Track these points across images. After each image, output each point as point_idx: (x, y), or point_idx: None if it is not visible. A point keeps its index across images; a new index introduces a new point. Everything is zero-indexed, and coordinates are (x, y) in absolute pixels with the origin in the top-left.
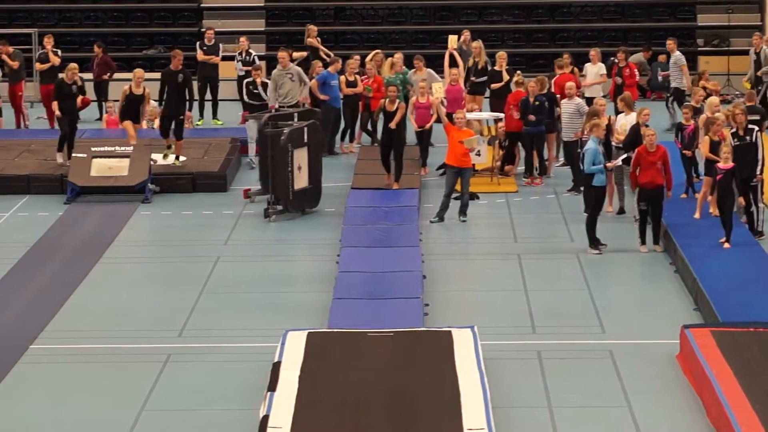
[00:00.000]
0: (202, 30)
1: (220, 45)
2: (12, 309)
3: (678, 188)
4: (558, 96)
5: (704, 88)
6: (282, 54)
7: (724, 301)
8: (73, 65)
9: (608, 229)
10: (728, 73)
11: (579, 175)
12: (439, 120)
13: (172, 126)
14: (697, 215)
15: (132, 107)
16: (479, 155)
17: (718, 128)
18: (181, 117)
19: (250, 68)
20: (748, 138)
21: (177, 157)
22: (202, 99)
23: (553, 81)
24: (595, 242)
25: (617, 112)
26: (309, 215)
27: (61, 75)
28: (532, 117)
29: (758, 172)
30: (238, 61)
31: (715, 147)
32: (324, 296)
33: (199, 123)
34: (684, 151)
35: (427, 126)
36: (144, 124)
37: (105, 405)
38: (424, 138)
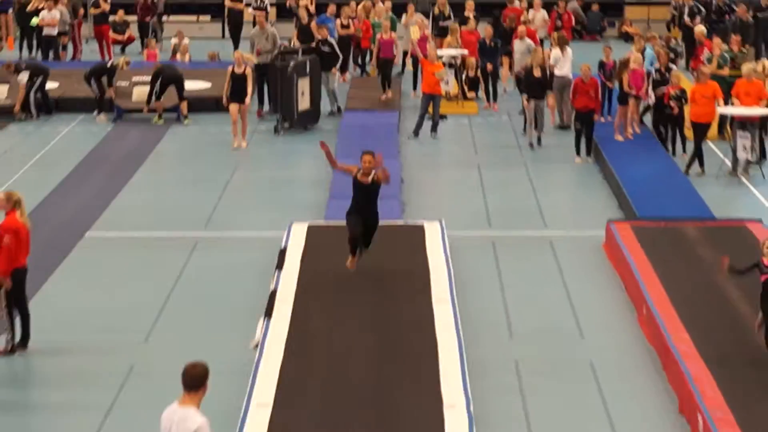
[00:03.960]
0: None
1: None
2: (70, 205)
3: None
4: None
5: (626, 32)
6: (260, 17)
7: (641, 202)
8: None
9: (551, 144)
10: (648, 19)
11: None
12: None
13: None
14: (618, 137)
15: (236, 88)
16: (447, 84)
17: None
18: None
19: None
20: (667, 75)
21: None
22: (235, 40)
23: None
24: None
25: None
26: (310, 131)
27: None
28: (489, 66)
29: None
30: (248, 5)
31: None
32: (322, 196)
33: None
34: (607, 83)
35: (392, 57)
36: (178, 56)
37: (145, 282)
38: (387, 67)
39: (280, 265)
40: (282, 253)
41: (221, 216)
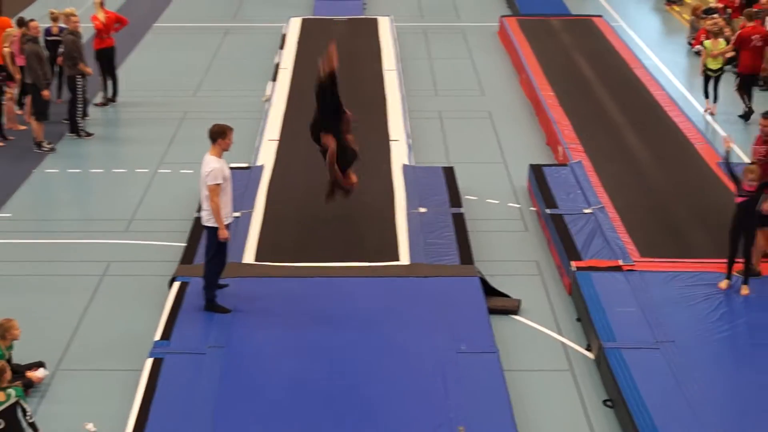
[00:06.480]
0: None
1: None
2: (143, 4)
3: None
4: None
5: None
6: None
7: (522, 3)
8: None
9: None
10: None
11: None
12: None
13: None
14: None
15: None
16: None
17: None
18: None
19: None
20: None
21: None
22: None
23: None
24: None
25: None
26: None
27: None
28: None
29: None
30: None
31: None
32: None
33: None
34: None
35: None
36: None
37: (193, 56)
38: None
39: (282, 46)
40: (283, 38)
41: (243, 11)
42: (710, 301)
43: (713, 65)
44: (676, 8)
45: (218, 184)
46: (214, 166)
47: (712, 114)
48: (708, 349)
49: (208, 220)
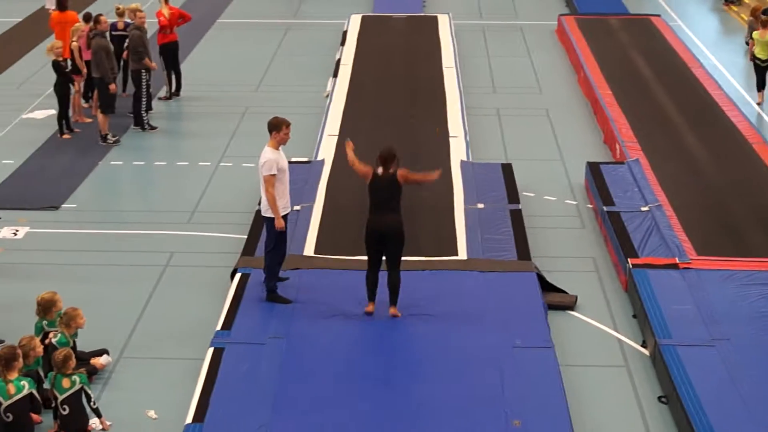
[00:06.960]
0: None
1: None
2: (206, 1)
3: None
4: None
5: None
6: None
7: (581, 1)
8: None
9: None
10: None
11: None
12: None
13: None
14: None
15: None
16: None
17: None
18: None
19: None
20: None
21: None
22: None
23: None
24: None
25: None
26: None
27: None
28: None
29: None
30: None
31: None
32: None
33: None
34: None
35: None
36: None
37: (255, 51)
38: None
39: (343, 42)
40: (344, 34)
41: (305, 9)
42: (766, 300)
43: (762, 55)
44: (735, 8)
45: (273, 175)
46: (269, 157)
47: (759, 103)
48: (764, 347)
49: (266, 211)
